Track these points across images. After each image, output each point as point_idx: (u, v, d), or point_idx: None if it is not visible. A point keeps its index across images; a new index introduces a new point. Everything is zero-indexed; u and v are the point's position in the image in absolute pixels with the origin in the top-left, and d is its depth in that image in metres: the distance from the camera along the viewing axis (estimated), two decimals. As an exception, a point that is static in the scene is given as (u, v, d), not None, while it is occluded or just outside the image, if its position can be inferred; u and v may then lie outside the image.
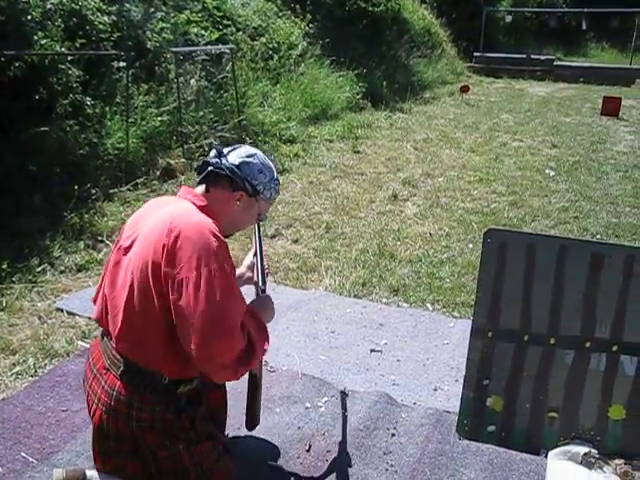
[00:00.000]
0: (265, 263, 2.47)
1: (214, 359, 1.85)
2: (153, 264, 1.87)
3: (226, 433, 2.71)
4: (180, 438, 2.02)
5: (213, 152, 2.08)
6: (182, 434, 2.03)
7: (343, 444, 2.83)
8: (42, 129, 5.54)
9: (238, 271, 2.44)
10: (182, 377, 2.03)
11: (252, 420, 2.49)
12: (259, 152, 2.13)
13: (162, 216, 1.95)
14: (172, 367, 1.97)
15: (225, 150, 2.09)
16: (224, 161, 2.04)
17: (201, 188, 2.08)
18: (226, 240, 2.00)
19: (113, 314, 1.99)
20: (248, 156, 2.07)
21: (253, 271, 2.44)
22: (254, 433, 2.80)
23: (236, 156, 2.06)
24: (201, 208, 2.01)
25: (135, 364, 1.96)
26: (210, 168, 2.04)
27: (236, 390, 3.14)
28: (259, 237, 2.46)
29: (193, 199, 2.04)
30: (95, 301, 2.15)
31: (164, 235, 1.87)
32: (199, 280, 1.81)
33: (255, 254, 2.44)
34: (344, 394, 3.18)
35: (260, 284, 2.36)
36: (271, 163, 2.15)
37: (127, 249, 2.00)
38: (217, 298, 1.82)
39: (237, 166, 2.03)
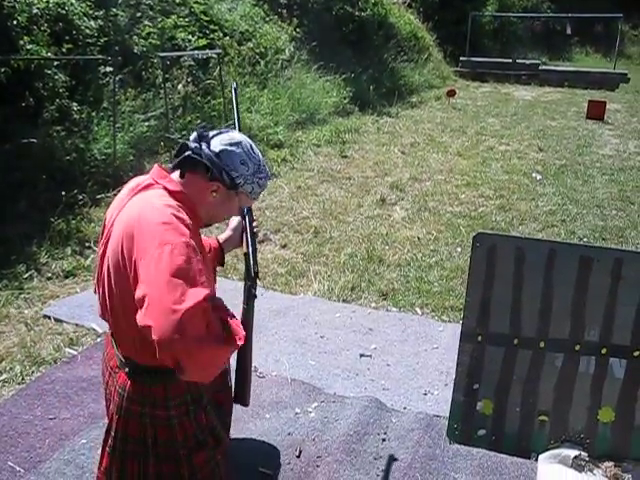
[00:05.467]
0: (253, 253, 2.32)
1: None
2: (122, 258, 1.74)
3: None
4: (187, 441, 1.94)
5: (194, 135, 1.88)
6: (193, 436, 1.95)
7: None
8: (30, 140, 5.50)
9: (223, 235, 2.37)
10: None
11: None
12: (246, 140, 1.92)
13: (128, 209, 1.81)
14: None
15: (209, 134, 1.89)
16: (204, 147, 1.85)
17: (176, 173, 1.88)
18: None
19: (107, 314, 1.91)
20: (231, 144, 1.87)
21: (243, 238, 2.33)
22: (244, 439, 2.79)
23: (218, 142, 1.86)
24: (174, 193, 1.83)
25: (140, 364, 1.85)
26: (188, 152, 1.84)
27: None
28: (250, 233, 2.29)
29: (166, 184, 1.85)
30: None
31: (128, 227, 1.74)
32: (152, 260, 1.64)
33: (246, 253, 2.28)
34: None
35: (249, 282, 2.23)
36: (259, 154, 1.94)
37: (105, 244, 1.87)
38: (165, 276, 1.60)
39: (217, 154, 1.84)
